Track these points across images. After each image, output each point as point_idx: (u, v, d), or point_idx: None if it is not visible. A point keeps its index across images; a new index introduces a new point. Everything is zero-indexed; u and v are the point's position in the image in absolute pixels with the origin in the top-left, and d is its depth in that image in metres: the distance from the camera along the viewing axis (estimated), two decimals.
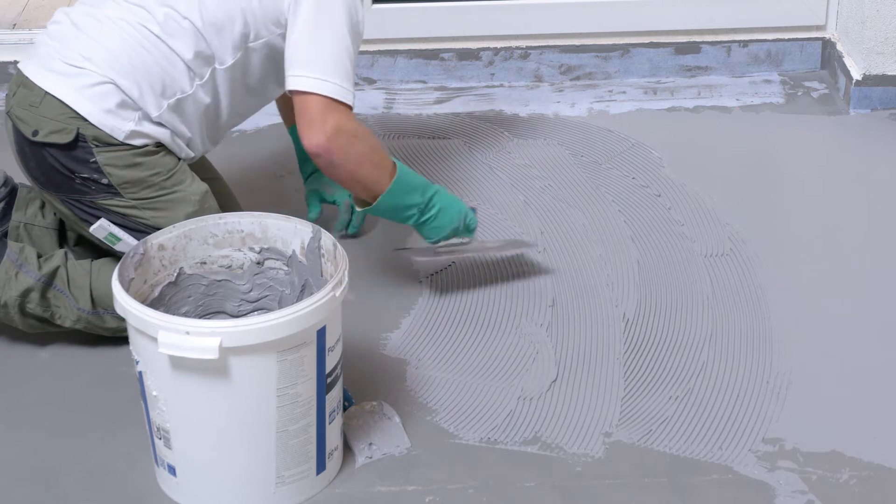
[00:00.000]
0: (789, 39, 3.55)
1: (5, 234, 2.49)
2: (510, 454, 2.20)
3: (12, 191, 2.57)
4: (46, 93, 2.33)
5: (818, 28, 3.55)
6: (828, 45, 3.53)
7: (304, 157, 2.84)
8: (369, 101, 3.42)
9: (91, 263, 2.43)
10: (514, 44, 3.52)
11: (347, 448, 2.20)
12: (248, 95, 2.50)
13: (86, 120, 2.31)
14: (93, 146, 2.33)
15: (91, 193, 2.36)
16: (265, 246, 2.23)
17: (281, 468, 2.06)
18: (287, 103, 2.79)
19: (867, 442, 2.20)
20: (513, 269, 2.71)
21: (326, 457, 2.11)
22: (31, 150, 2.36)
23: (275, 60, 2.43)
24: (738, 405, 2.30)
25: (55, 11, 2.46)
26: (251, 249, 2.24)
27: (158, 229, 2.27)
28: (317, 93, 2.31)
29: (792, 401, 2.31)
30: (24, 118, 2.35)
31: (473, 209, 2.58)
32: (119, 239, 2.39)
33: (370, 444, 2.20)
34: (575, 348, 2.46)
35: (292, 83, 2.33)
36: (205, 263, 2.23)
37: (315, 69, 2.32)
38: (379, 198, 2.41)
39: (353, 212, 2.78)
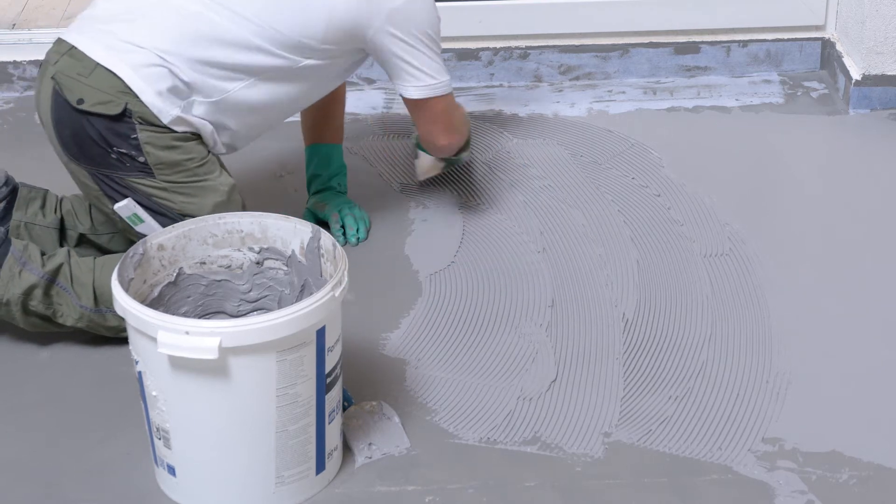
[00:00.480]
0: (789, 39, 3.55)
1: (7, 233, 2.49)
2: (510, 454, 2.20)
3: (13, 190, 2.57)
4: (98, 65, 2.35)
5: (818, 28, 3.55)
6: (827, 45, 3.53)
7: (311, 177, 2.86)
8: (369, 101, 3.42)
9: (94, 261, 2.43)
10: (513, 44, 3.52)
11: (347, 448, 2.20)
12: (291, 104, 2.56)
13: (136, 97, 2.34)
14: (136, 123, 2.35)
15: (124, 170, 2.38)
16: (265, 246, 2.23)
17: (280, 468, 2.06)
18: (311, 119, 2.81)
19: (867, 442, 2.20)
20: (513, 269, 2.71)
21: (326, 457, 2.11)
22: (70, 117, 2.37)
23: (331, 76, 2.57)
24: (738, 405, 2.30)
25: None
26: (251, 249, 2.24)
27: (184, 216, 2.33)
28: (434, 96, 2.59)
29: (792, 401, 2.31)
30: (69, 86, 2.36)
31: None
32: (142, 220, 2.39)
33: (370, 444, 2.20)
34: (574, 348, 2.46)
35: (410, 93, 2.58)
36: (204, 263, 2.23)
37: (426, 78, 2.56)
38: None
39: (344, 225, 2.78)
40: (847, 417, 2.27)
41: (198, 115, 2.41)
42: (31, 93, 3.50)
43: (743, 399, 2.31)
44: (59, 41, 2.43)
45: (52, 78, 2.38)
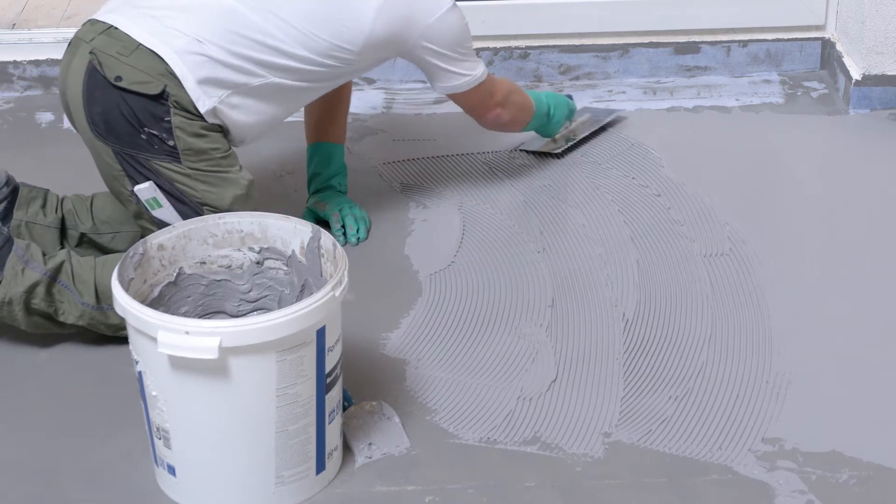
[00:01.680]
0: (789, 39, 3.55)
1: (9, 233, 2.49)
2: (510, 454, 2.20)
3: (14, 190, 2.57)
4: (140, 45, 2.37)
5: (818, 28, 3.55)
6: (827, 45, 3.53)
7: (312, 176, 2.87)
8: (369, 101, 3.42)
9: (95, 259, 2.43)
10: (513, 44, 3.52)
11: (347, 448, 2.20)
12: (310, 95, 2.60)
13: (178, 81, 2.36)
14: (172, 106, 2.37)
15: (151, 152, 2.39)
16: (265, 246, 2.23)
17: (280, 468, 2.06)
18: (314, 117, 2.83)
19: (867, 442, 2.20)
20: (513, 269, 2.71)
21: (326, 457, 2.11)
22: (104, 93, 2.38)
23: (353, 74, 2.65)
24: (738, 405, 2.30)
25: None
26: (251, 249, 2.24)
27: (204, 205, 2.37)
28: (471, 88, 2.72)
29: (792, 401, 2.31)
30: (108, 63, 2.37)
31: (570, 96, 3.17)
32: (160, 205, 2.40)
33: (370, 444, 2.20)
34: (574, 348, 2.46)
35: (449, 90, 2.72)
36: (204, 263, 2.23)
37: (458, 78, 2.70)
38: (525, 126, 2.98)
39: (344, 225, 2.78)
40: (847, 417, 2.27)
41: (232, 106, 2.43)
42: (32, 93, 3.50)
43: (743, 399, 2.31)
44: (93, 21, 2.44)
45: (91, 53, 2.39)
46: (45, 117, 3.40)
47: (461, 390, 2.35)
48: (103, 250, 2.60)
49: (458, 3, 2.63)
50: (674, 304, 2.58)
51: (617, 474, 2.15)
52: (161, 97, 2.37)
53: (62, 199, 2.63)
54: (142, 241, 2.15)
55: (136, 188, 2.41)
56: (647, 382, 2.36)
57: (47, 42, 3.52)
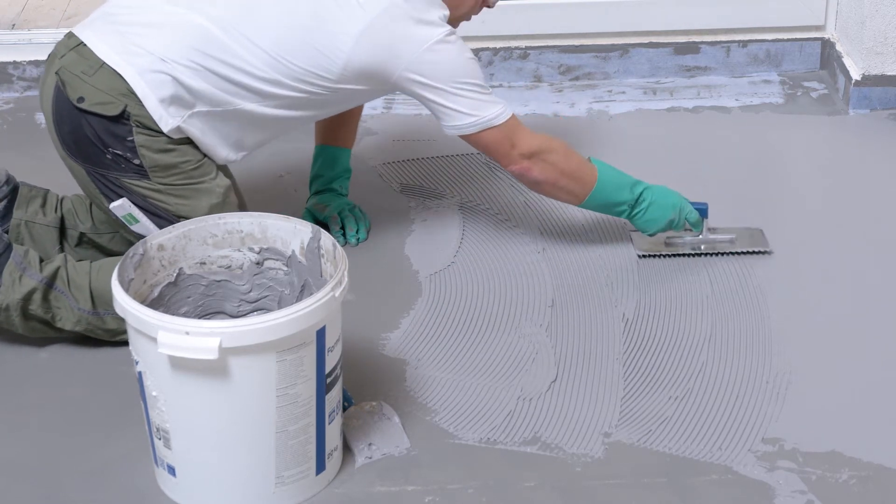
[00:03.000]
0: (788, 39, 3.55)
1: (9, 241, 2.47)
2: (510, 454, 2.20)
3: (14, 189, 2.57)
4: (104, 64, 2.34)
5: (817, 28, 3.55)
6: (827, 45, 3.53)
7: (314, 177, 2.86)
8: (369, 102, 3.42)
9: (91, 264, 2.43)
10: (513, 44, 3.52)
11: (347, 448, 2.20)
12: (304, 121, 2.56)
13: (138, 101, 2.34)
14: (133, 125, 2.35)
15: (119, 170, 2.38)
16: (265, 246, 2.23)
17: (280, 468, 2.06)
18: (325, 119, 2.78)
19: (867, 442, 2.20)
20: (513, 269, 2.71)
21: (326, 457, 2.11)
22: (70, 114, 2.37)
23: (352, 101, 2.57)
24: (738, 405, 2.30)
25: None
26: (251, 250, 2.24)
27: (179, 218, 2.32)
28: (481, 130, 2.51)
29: (792, 401, 2.31)
30: (72, 83, 2.36)
31: (702, 204, 2.72)
32: (137, 220, 2.39)
33: (370, 444, 2.20)
34: (575, 348, 2.46)
35: (454, 130, 2.52)
36: (204, 264, 2.23)
37: (462, 117, 2.50)
38: (584, 200, 2.62)
39: (344, 226, 2.78)
40: (847, 417, 2.27)
41: (198, 126, 2.40)
42: (32, 93, 3.50)
43: (743, 399, 2.31)
44: (70, 35, 2.43)
45: (57, 73, 2.38)
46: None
47: (461, 390, 2.35)
48: (102, 250, 2.60)
49: (456, 36, 2.48)
50: (674, 304, 2.58)
51: (617, 474, 2.15)
52: (122, 117, 2.34)
53: (62, 199, 2.63)
54: (142, 241, 2.15)
55: (112, 206, 2.39)
56: (647, 382, 2.36)
57: (47, 42, 3.51)
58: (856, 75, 3.34)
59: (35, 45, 3.55)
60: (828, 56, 3.52)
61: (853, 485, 2.12)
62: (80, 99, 2.35)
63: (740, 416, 2.27)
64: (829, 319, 2.53)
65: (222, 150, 2.46)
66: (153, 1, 2.42)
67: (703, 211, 2.72)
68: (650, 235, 2.70)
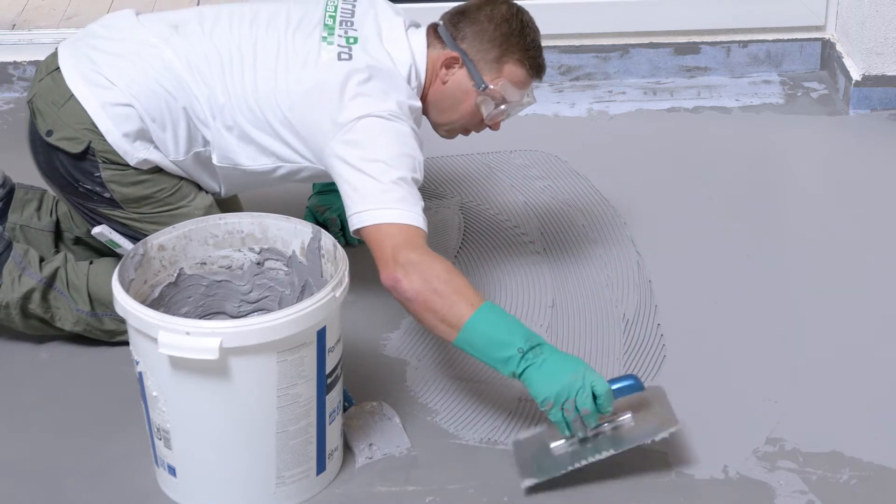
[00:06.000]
0: (789, 40, 3.55)
1: (9, 239, 2.47)
2: (510, 454, 2.20)
3: (10, 192, 2.57)
4: (72, 95, 2.31)
5: (818, 28, 3.55)
6: (827, 45, 3.53)
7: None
8: None
9: (89, 266, 2.43)
10: None
11: (347, 448, 2.20)
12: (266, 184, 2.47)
13: (101, 136, 2.30)
14: (100, 161, 2.32)
15: (93, 202, 2.36)
16: (265, 246, 2.23)
17: (281, 468, 2.06)
18: None
19: (867, 442, 2.20)
20: (513, 269, 2.71)
21: (326, 457, 2.11)
22: (41, 145, 2.36)
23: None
24: (738, 405, 2.30)
25: (123, 11, 2.43)
26: (251, 250, 2.24)
27: None
28: (373, 224, 2.16)
29: (792, 401, 2.31)
30: (44, 113, 2.34)
31: (628, 378, 2.12)
32: (119, 245, 2.39)
33: (370, 444, 2.20)
34: (575, 348, 2.46)
35: (353, 224, 2.19)
36: (205, 264, 2.23)
37: (366, 205, 2.18)
38: (455, 337, 2.10)
39: (344, 227, 2.77)
40: (847, 417, 2.27)
41: (172, 159, 2.35)
42: None
43: (743, 399, 2.31)
44: (55, 54, 2.39)
45: (29, 103, 2.37)
46: None
47: (461, 390, 2.35)
48: (99, 251, 2.60)
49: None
50: (674, 305, 2.58)
51: (617, 474, 2.15)
52: (86, 154, 2.31)
53: (57, 202, 2.62)
54: (142, 241, 2.15)
55: (93, 232, 2.38)
56: (646, 382, 2.36)
57: (47, 42, 3.52)
58: (856, 76, 3.34)
59: (35, 45, 3.55)
60: (828, 56, 3.52)
61: (854, 485, 2.12)
62: (49, 132, 2.33)
63: (741, 416, 2.27)
64: (828, 319, 2.53)
65: (201, 182, 2.42)
66: (133, 28, 2.37)
67: (629, 387, 2.11)
68: (541, 406, 2.06)
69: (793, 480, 2.13)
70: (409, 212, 2.17)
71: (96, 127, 2.30)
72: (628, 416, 2.12)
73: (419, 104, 2.35)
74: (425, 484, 2.14)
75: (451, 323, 2.08)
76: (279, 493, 2.08)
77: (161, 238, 2.18)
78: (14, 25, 3.85)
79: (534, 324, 2.53)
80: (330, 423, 2.09)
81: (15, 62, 3.52)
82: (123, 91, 2.30)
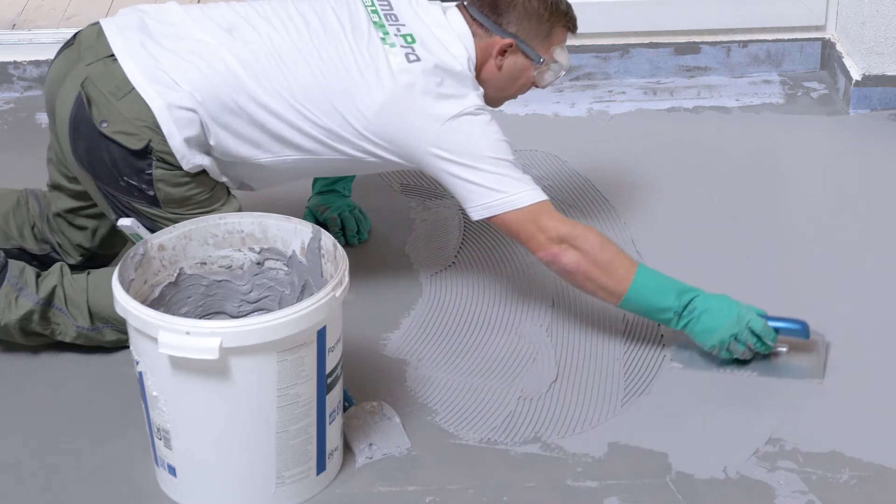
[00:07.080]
0: (789, 40, 3.55)
1: (6, 260, 2.40)
2: (510, 454, 2.20)
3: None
4: (133, 89, 2.27)
5: (818, 28, 3.55)
6: (827, 45, 3.53)
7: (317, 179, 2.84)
8: None
9: (87, 279, 2.40)
10: None
11: (347, 448, 2.20)
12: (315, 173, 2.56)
13: (163, 138, 2.27)
14: (155, 160, 2.29)
15: (131, 197, 2.33)
16: (265, 246, 2.23)
17: (281, 468, 2.06)
18: None
19: (867, 442, 2.20)
20: (513, 269, 2.71)
21: (326, 457, 2.11)
22: (89, 133, 2.29)
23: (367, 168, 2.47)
24: (738, 405, 2.30)
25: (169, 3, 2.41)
26: (251, 250, 2.24)
27: None
28: (506, 212, 2.32)
29: (792, 401, 2.31)
30: (98, 102, 2.28)
31: (796, 322, 2.38)
32: (142, 238, 2.36)
33: (370, 444, 2.20)
34: (575, 348, 2.46)
35: (478, 212, 2.33)
36: (205, 264, 2.23)
37: (492, 195, 2.33)
38: (621, 298, 2.32)
39: (344, 227, 2.77)
40: (847, 417, 2.27)
41: (216, 168, 2.36)
42: (32, 93, 3.50)
43: (743, 399, 2.31)
44: (99, 32, 2.33)
45: (82, 85, 2.29)
46: (46, 118, 3.39)
47: (461, 390, 2.35)
48: (96, 264, 2.56)
49: (483, 112, 2.38)
50: None
51: (617, 474, 2.15)
52: (144, 152, 2.28)
53: (45, 240, 2.55)
54: (142, 241, 2.15)
55: (119, 223, 2.33)
56: (646, 382, 2.36)
57: (47, 42, 3.52)
58: (856, 75, 3.34)
59: (35, 45, 3.55)
60: (828, 56, 3.52)
61: (854, 485, 2.12)
62: (104, 123, 2.27)
63: (741, 417, 2.27)
64: (828, 319, 2.53)
65: (233, 183, 2.44)
66: (184, 22, 2.35)
67: (793, 330, 2.38)
68: (709, 350, 2.35)
69: (793, 480, 2.13)
70: (533, 189, 2.34)
71: (159, 127, 2.27)
72: (785, 349, 2.39)
73: (482, 90, 2.43)
74: (425, 484, 2.14)
75: (611, 291, 2.32)
76: (279, 493, 2.08)
77: (161, 238, 2.18)
78: (14, 25, 3.85)
79: (534, 324, 2.53)
80: (330, 423, 2.09)
81: (15, 62, 3.52)
82: (190, 95, 2.27)
